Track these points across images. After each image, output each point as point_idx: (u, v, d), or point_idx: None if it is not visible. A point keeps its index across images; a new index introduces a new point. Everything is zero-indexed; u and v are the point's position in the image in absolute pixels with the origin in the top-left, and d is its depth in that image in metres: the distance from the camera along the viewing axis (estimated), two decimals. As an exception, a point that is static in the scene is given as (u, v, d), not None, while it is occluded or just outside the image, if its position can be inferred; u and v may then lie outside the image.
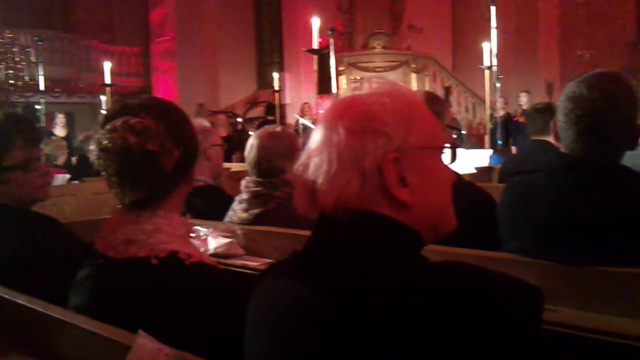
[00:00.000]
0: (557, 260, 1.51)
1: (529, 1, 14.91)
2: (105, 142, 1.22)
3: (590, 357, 1.36)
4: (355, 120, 0.94)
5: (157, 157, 1.23)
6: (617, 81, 1.60)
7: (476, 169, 4.79)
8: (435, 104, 2.12)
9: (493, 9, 6.27)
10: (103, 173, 1.27)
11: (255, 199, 2.36)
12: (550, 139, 3.04)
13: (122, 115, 1.24)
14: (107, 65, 7.88)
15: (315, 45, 6.47)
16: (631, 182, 1.54)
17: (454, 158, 2.07)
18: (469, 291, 0.85)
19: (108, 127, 1.23)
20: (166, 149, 1.24)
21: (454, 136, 2.21)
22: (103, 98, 9.50)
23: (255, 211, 2.34)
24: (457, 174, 2.11)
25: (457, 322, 0.82)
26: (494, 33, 6.39)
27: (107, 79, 7.80)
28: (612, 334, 1.31)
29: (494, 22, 6.34)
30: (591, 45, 15.32)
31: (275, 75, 9.84)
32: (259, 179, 2.37)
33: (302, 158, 0.99)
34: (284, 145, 2.37)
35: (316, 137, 0.98)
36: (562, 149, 1.63)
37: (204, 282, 1.23)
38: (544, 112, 3.31)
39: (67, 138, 8.79)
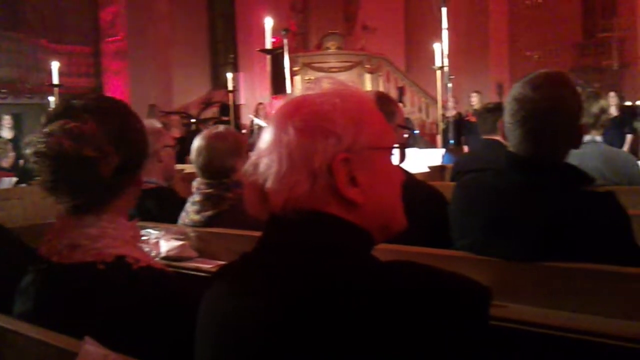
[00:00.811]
0: (506, 257, 1.54)
1: (479, 3, 15.23)
2: (40, 146, 1.19)
3: (540, 351, 1.39)
4: (305, 120, 0.94)
5: (95, 163, 1.20)
6: (561, 82, 1.63)
7: (429, 167, 4.87)
8: (387, 104, 2.14)
9: (444, 10, 6.37)
10: (38, 177, 1.23)
11: (207, 200, 2.34)
12: (501, 138, 3.11)
13: (64, 116, 1.21)
14: (55, 65, 7.71)
15: (268, 45, 6.46)
16: (576, 180, 1.58)
17: (403, 158, 2.10)
18: (417, 291, 0.86)
19: (45, 130, 1.20)
20: (105, 154, 1.21)
21: (405, 136, 2.23)
22: (52, 99, 9.27)
23: (208, 213, 2.32)
24: (408, 173, 2.13)
25: (406, 321, 0.82)
26: (445, 34, 6.49)
27: (55, 79, 7.62)
28: (561, 329, 1.34)
29: (445, 24, 6.44)
30: (539, 46, 15.74)
31: (229, 75, 9.76)
32: (209, 181, 2.35)
33: (252, 158, 0.98)
34: (231, 144, 2.37)
35: (266, 137, 0.97)
36: (510, 148, 1.66)
37: (152, 287, 1.20)
38: (494, 111, 3.38)
39: (15, 140, 8.56)
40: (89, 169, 1.20)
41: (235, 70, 12.84)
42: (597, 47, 16.21)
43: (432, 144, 9.94)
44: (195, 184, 2.42)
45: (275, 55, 7.29)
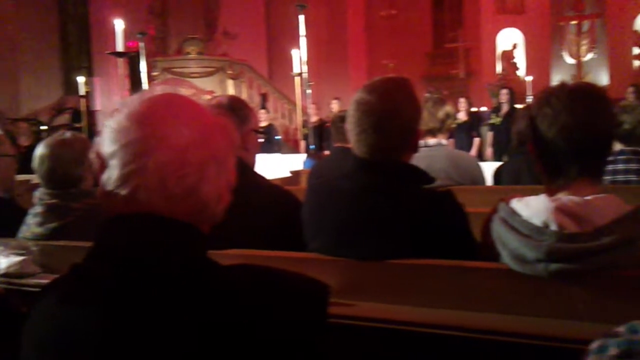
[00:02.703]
0: (355, 257, 1.58)
1: (337, 13, 15.69)
2: None
3: (390, 347, 1.44)
4: (140, 123, 0.92)
5: None
6: (398, 85, 1.69)
7: (291, 172, 4.93)
8: (240, 108, 2.13)
9: (301, 17, 6.49)
10: None
11: (50, 212, 2.19)
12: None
13: None
14: None
15: (119, 48, 6.19)
16: (416, 180, 1.65)
17: (254, 163, 2.09)
18: (257, 291, 0.88)
19: None
20: None
21: (260, 140, 2.23)
22: None
23: (52, 225, 2.18)
24: (263, 177, 2.14)
25: (245, 321, 0.84)
26: (303, 41, 6.60)
27: None
28: (408, 324, 1.40)
29: (303, 31, 6.55)
30: (394, 55, 16.52)
31: (81, 79, 9.24)
32: (53, 191, 2.21)
33: (96, 162, 0.95)
34: (78, 152, 2.24)
35: (106, 141, 0.93)
36: (354, 151, 1.71)
37: None
38: (345, 120, 3.48)
39: None
40: None
41: (90, 74, 12.20)
42: (445, 56, 17.33)
43: (295, 150, 10.08)
44: (38, 194, 2.26)
45: (133, 59, 7.03)
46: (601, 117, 1.40)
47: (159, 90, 1.00)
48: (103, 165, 0.92)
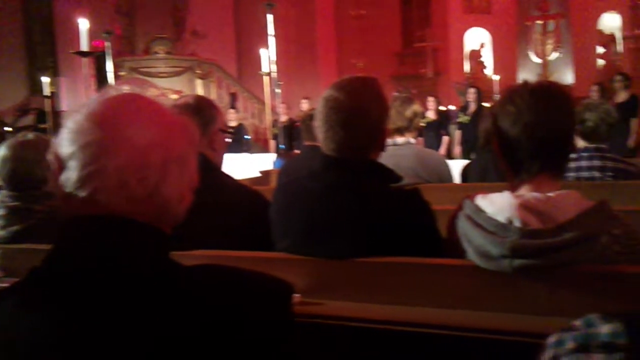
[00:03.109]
0: (323, 255, 1.58)
1: (307, 12, 15.68)
2: None
3: (358, 344, 1.44)
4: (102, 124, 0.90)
5: None
6: (366, 84, 1.69)
7: (260, 172, 4.92)
8: (206, 108, 2.11)
9: (270, 17, 6.46)
10: None
11: (13, 214, 2.15)
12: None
13: None
14: None
15: (84, 47, 6.08)
16: (384, 178, 1.66)
17: (221, 162, 2.07)
18: (224, 293, 0.88)
19: None
20: None
21: (228, 140, 2.22)
22: None
23: (14, 228, 2.14)
24: (231, 177, 2.12)
25: (215, 324, 0.83)
26: (271, 40, 6.58)
27: None
28: (376, 322, 1.40)
29: (271, 30, 6.53)
30: (364, 55, 16.59)
31: (45, 79, 9.05)
32: (15, 193, 2.17)
33: (54, 163, 0.93)
34: (41, 153, 2.18)
35: (64, 141, 0.92)
36: (322, 150, 1.71)
37: None
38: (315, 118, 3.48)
39: None
40: None
41: (55, 74, 11.99)
42: (414, 56, 17.45)
43: (265, 149, 10.05)
44: (0, 196, 2.22)
45: (99, 59, 6.93)
46: (562, 115, 1.43)
47: (119, 90, 0.98)
48: (61, 166, 0.90)
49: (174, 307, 0.83)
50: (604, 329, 0.63)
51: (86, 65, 6.50)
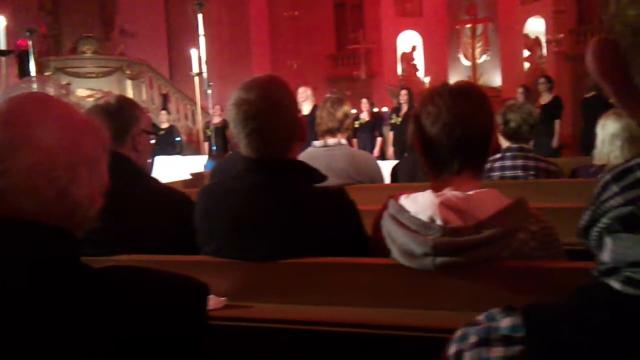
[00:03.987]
0: (247, 258, 1.56)
1: (240, 13, 15.58)
2: None
3: (287, 347, 1.43)
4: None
5: None
6: (273, 81, 1.68)
7: (191, 174, 4.84)
8: (130, 108, 2.05)
9: (200, 16, 6.38)
10: None
11: None
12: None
13: None
14: None
15: (2, 46, 5.81)
16: (304, 178, 1.65)
17: (152, 165, 2.02)
18: (140, 293, 0.88)
19: None
20: None
21: (152, 141, 2.16)
22: None
23: None
24: (156, 180, 2.08)
25: (123, 323, 0.83)
26: (202, 40, 6.49)
27: None
28: (306, 323, 1.41)
29: (201, 30, 6.45)
30: (298, 56, 16.63)
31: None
32: None
33: None
34: None
35: None
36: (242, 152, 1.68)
37: None
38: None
39: None
40: None
41: (-25, 74, 11.43)
42: (348, 58, 17.65)
43: (198, 151, 9.92)
44: None
45: (22, 58, 6.67)
46: (480, 115, 1.46)
47: (26, 90, 0.95)
48: None
49: (80, 309, 0.81)
50: (504, 322, 0.64)
51: (6, 65, 6.21)
